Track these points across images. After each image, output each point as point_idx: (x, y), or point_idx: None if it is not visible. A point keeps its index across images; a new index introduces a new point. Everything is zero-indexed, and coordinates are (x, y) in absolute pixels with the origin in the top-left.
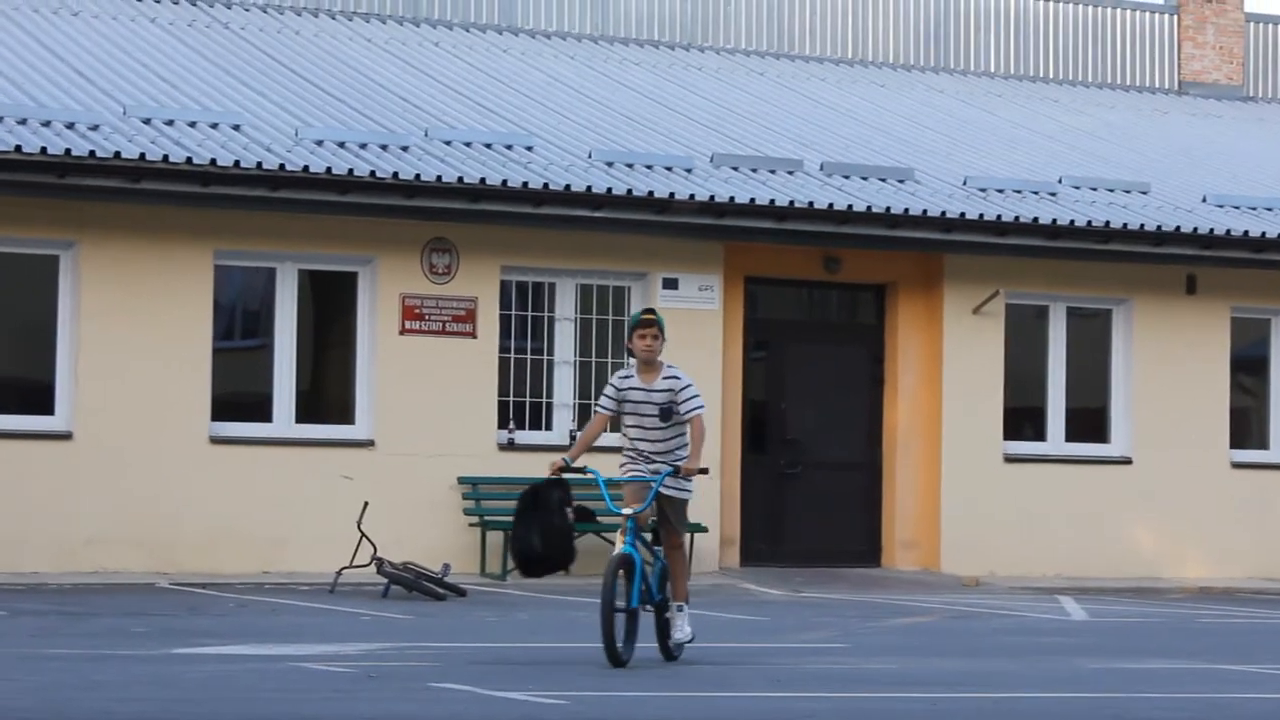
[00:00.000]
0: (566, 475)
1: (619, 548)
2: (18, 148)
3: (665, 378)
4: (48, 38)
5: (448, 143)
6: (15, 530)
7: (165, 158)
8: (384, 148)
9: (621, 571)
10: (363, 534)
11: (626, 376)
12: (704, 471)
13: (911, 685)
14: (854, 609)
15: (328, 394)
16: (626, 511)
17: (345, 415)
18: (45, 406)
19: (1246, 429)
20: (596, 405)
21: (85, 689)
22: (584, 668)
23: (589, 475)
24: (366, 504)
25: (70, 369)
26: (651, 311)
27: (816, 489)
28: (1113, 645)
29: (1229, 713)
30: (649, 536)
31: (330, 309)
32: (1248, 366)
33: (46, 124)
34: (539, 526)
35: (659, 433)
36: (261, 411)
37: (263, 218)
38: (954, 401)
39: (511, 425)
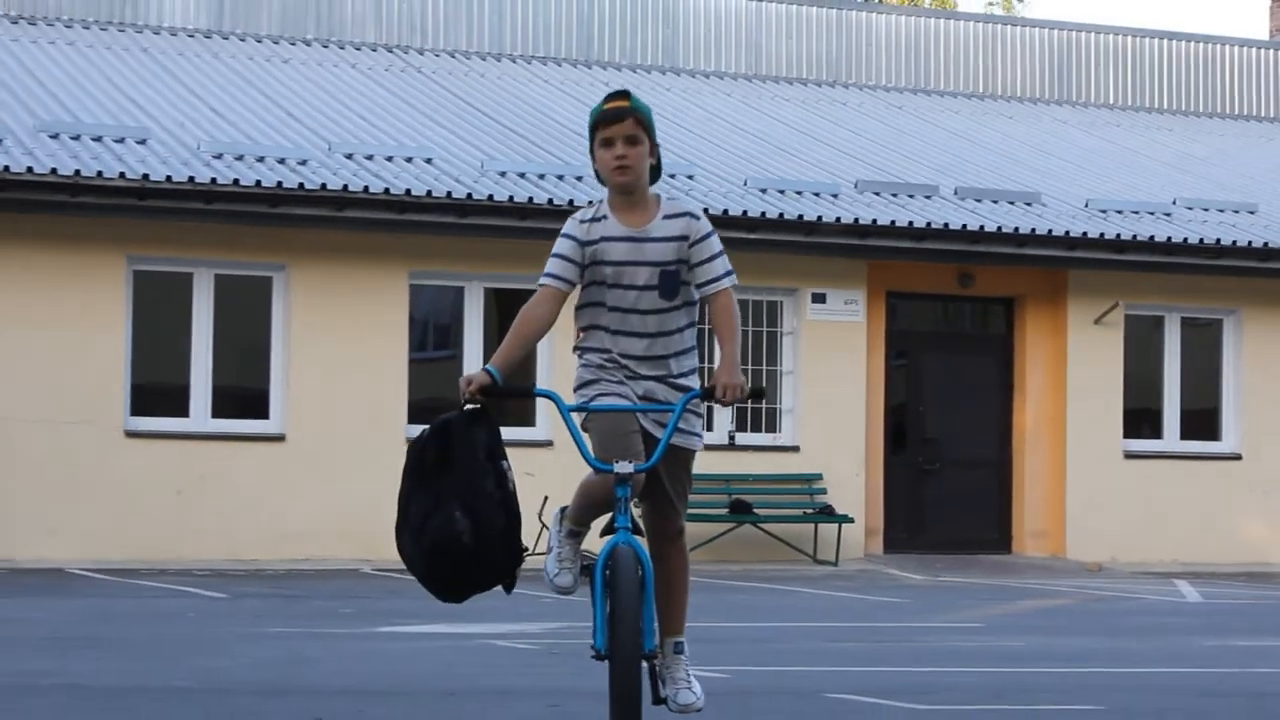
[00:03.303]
0: (494, 400)
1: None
2: (235, 181)
3: (669, 215)
4: (261, 82)
5: None
6: (236, 522)
7: (365, 189)
8: (560, 178)
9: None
10: (543, 525)
11: (596, 218)
12: (759, 395)
13: (1043, 661)
14: (988, 592)
15: (512, 400)
16: (624, 469)
17: (527, 419)
18: (261, 411)
19: None
20: (542, 277)
21: (300, 664)
22: (743, 645)
23: (537, 397)
24: (546, 498)
25: (283, 378)
26: (624, 94)
27: (952, 483)
28: (1226, 625)
29: None
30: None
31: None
32: None
33: (260, 159)
34: (462, 502)
35: (656, 320)
36: None
37: (452, 242)
38: (1077, 404)
39: None
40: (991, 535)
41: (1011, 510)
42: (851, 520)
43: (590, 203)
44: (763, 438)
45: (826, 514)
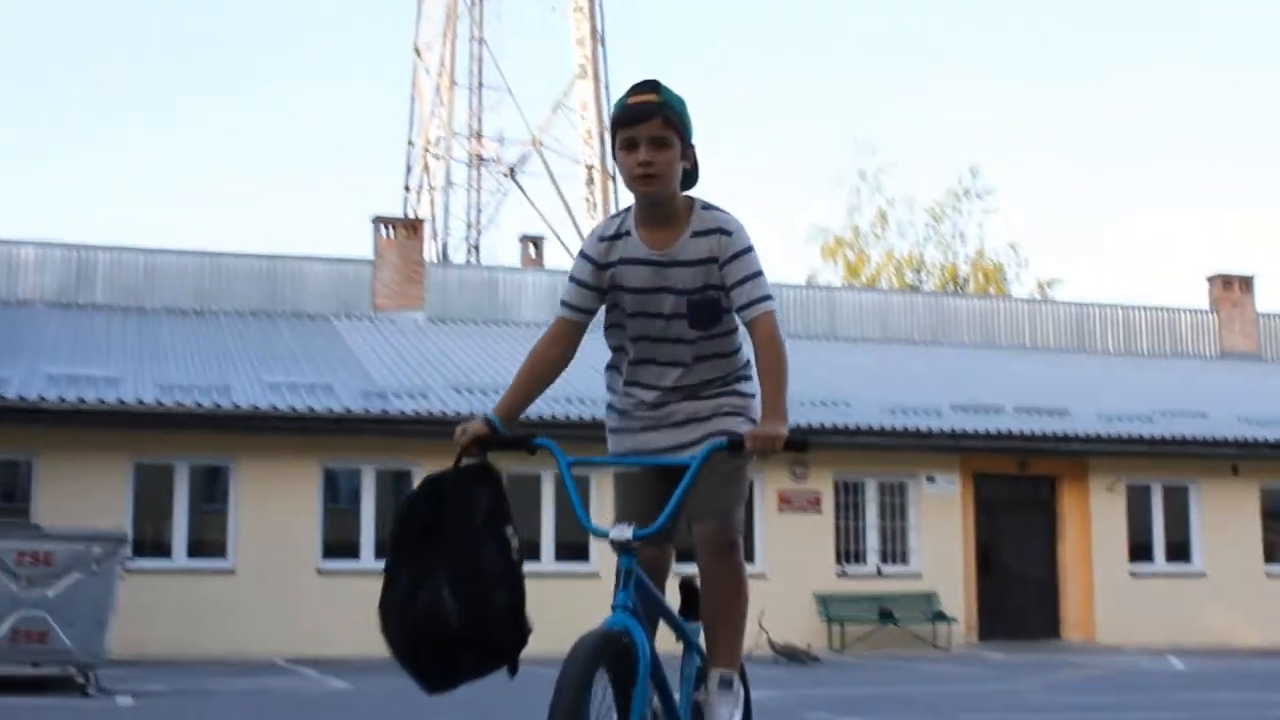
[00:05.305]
0: (493, 454)
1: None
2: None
3: (699, 233)
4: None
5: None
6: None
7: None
8: None
9: (604, 670)
10: (761, 627)
11: (619, 235)
12: (800, 448)
13: (1081, 711)
14: (1045, 665)
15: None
16: (620, 535)
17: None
18: None
19: (1275, 553)
20: (559, 306)
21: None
22: (893, 701)
23: (535, 449)
24: (764, 610)
25: None
26: (652, 85)
27: (1020, 593)
28: (1202, 684)
29: None
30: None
31: None
32: (1273, 516)
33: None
34: (451, 576)
35: (690, 349)
36: None
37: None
38: (1099, 541)
39: (843, 562)
40: (1046, 626)
41: (1059, 612)
42: (956, 620)
43: (617, 214)
44: (899, 569)
45: (940, 617)
